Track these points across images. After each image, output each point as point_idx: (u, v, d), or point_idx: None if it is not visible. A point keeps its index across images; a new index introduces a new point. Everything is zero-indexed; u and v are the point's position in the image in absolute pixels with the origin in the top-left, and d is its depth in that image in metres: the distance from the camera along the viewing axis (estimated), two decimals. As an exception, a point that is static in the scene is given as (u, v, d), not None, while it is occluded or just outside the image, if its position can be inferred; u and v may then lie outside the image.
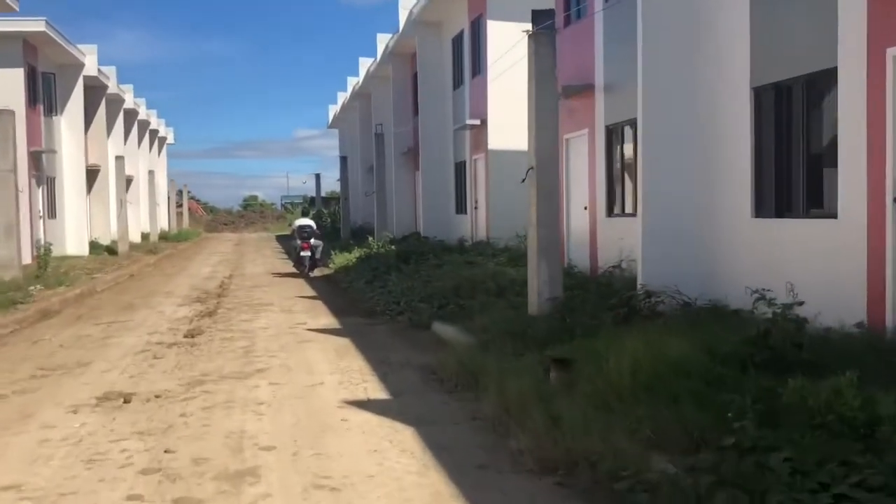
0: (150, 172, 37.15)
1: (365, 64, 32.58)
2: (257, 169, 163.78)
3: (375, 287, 14.38)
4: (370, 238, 21.93)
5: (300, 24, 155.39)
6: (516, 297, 10.67)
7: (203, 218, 68.38)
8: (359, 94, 34.82)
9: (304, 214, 27.29)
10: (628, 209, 11.75)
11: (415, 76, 25.10)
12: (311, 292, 16.01)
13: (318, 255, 19.73)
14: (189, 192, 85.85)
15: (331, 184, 58.30)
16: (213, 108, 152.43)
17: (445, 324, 10.16)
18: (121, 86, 35.67)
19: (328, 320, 11.88)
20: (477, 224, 19.93)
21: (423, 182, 22.81)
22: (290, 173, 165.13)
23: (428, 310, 11.28)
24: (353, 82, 36.45)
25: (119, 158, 28.31)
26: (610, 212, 12.25)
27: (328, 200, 57.68)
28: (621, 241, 11.26)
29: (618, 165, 12.39)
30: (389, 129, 25.41)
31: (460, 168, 21.67)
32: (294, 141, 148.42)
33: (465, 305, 11.03)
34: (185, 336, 10.38)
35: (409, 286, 13.31)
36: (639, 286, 9.19)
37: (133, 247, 31.00)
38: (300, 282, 18.43)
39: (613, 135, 12.44)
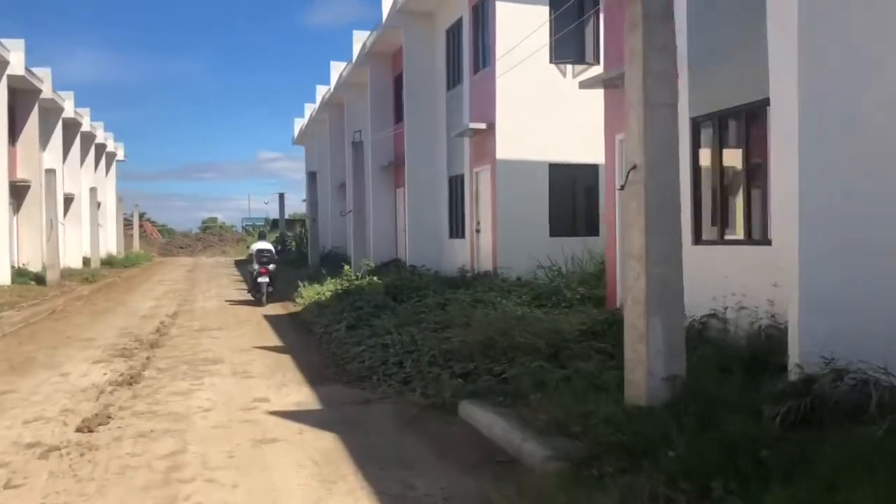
0: (92, 190, 33.01)
1: (338, 68, 29.05)
2: (218, 191, 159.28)
3: (362, 335, 10.74)
4: (346, 267, 18.27)
5: (261, 46, 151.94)
6: (585, 364, 7.20)
7: (157, 241, 64.09)
8: (329, 104, 31.28)
9: (262, 237, 24.38)
10: (738, 233, 8.39)
11: (397, 78, 21.65)
12: (275, 340, 12.34)
13: (275, 282, 18.40)
14: (144, 213, 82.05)
15: (295, 205, 54.29)
16: (172, 129, 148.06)
17: (486, 408, 6.62)
18: (77, 110, 31.69)
19: (301, 394, 8.22)
20: (479, 251, 16.46)
21: (410, 200, 19.26)
22: (251, 195, 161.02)
23: (449, 380, 7.73)
24: (322, 91, 32.90)
25: (49, 172, 24.31)
26: (698, 238, 8.82)
27: (292, 222, 53.83)
28: (725, 280, 7.88)
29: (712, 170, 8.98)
30: (368, 139, 21.79)
31: (456, 183, 18.20)
32: (256, 163, 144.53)
33: (503, 373, 7.54)
34: (80, 429, 6.67)
35: (410, 338, 9.72)
36: (796, 357, 5.79)
37: (68, 274, 26.94)
38: (260, 321, 14.74)
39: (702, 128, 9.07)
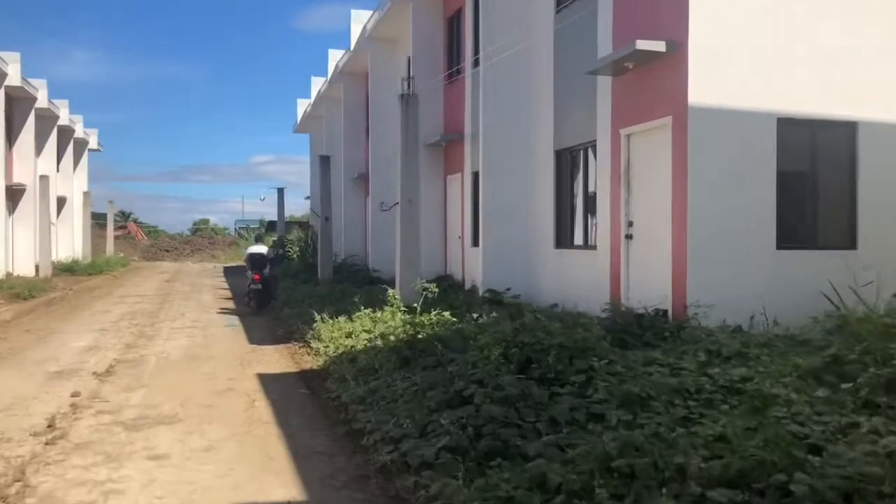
0: (42, 178, 26.39)
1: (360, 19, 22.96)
2: (212, 193, 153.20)
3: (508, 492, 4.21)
4: (390, 291, 11.50)
5: (257, 49, 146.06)
6: None
7: (143, 243, 57.70)
8: (346, 73, 24.82)
9: (259, 240, 19.99)
10: None
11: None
12: (286, 468, 5.76)
13: (274, 290, 16.88)
14: (131, 213, 75.47)
15: (292, 206, 46.54)
16: (166, 131, 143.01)
17: None
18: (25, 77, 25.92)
19: None
20: (632, 273, 9.95)
21: (487, 188, 12.69)
22: (245, 197, 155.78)
23: None
24: (336, 57, 26.41)
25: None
26: None
27: (290, 225, 47.10)
28: None
29: None
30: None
31: (569, 159, 11.68)
32: (249, 166, 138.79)
33: None
34: None
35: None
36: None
37: (5, 286, 20.35)
38: (253, 395, 8.14)
39: None
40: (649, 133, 9.61)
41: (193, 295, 22.00)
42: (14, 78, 24.92)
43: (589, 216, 11.24)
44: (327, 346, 10.15)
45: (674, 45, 8.85)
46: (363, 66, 22.67)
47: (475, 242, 14.68)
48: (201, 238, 62.22)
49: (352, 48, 23.58)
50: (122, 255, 44.16)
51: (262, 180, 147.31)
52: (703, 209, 8.66)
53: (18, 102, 27.31)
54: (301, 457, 5.95)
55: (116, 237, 51.05)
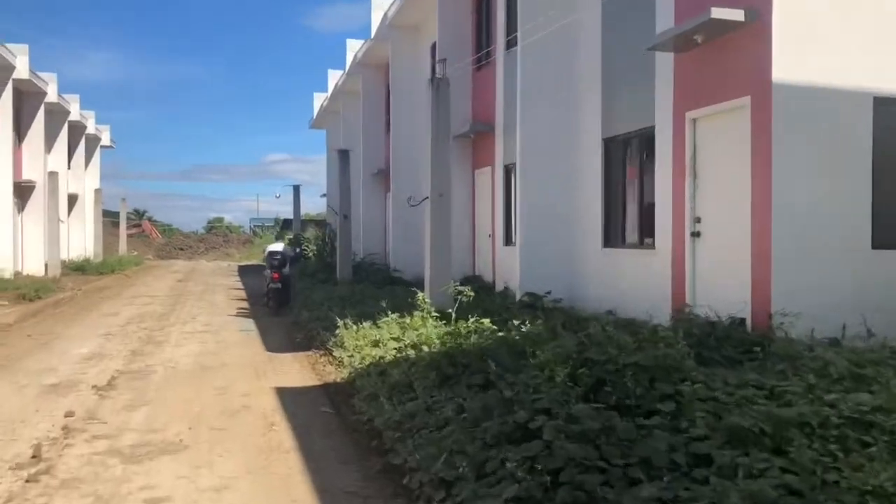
0: (52, 174, 25.56)
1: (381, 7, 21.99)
2: (226, 192, 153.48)
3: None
4: (419, 294, 10.41)
5: (270, 47, 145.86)
6: None
7: (157, 241, 57.12)
8: (365, 64, 23.83)
9: (279, 239, 18.88)
10: None
11: None
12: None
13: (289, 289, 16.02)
14: (146, 211, 74.95)
15: (308, 204, 45.05)
16: (179, 130, 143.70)
17: None
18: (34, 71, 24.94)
19: None
20: (698, 274, 8.87)
21: (525, 181, 11.65)
22: (260, 196, 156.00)
23: None
24: (354, 47, 25.39)
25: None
26: None
27: (305, 223, 46.14)
28: None
29: None
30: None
31: (620, 147, 10.61)
32: (263, 165, 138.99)
33: None
34: None
35: None
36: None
37: (11, 285, 19.49)
38: (271, 417, 7.12)
39: None
40: (721, 116, 8.51)
41: (206, 296, 21.07)
42: (22, 71, 24.12)
43: (645, 212, 10.13)
44: (352, 356, 9.13)
45: (754, 14, 7.74)
46: (383, 56, 21.67)
47: (508, 241, 13.61)
48: (216, 236, 61.62)
49: (372, 37, 22.56)
50: (135, 253, 43.44)
51: (276, 179, 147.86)
52: (788, 203, 7.56)
53: (27, 97, 26.51)
54: (330, 499, 4.93)
55: (130, 235, 50.44)
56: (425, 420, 5.78)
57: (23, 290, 18.16)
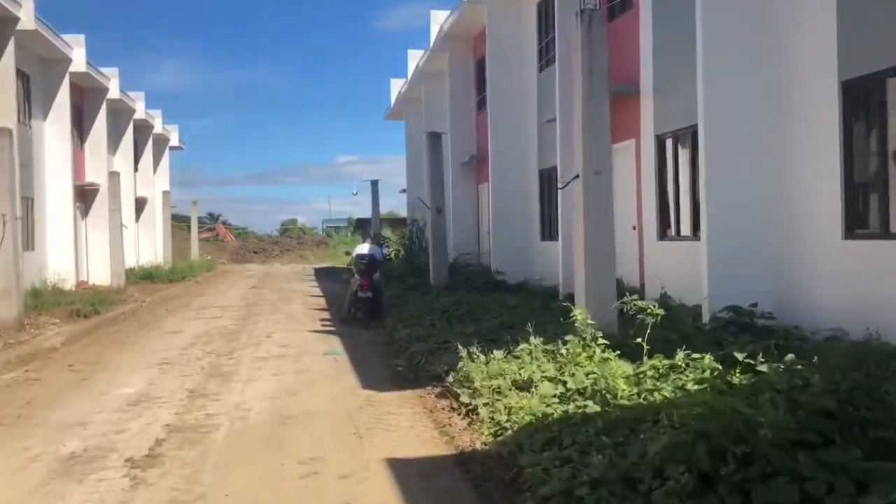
0: (112, 174, 23.60)
1: (437, 19, 19.06)
2: (299, 195, 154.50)
3: None
4: (576, 312, 7.46)
5: (340, 50, 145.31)
6: None
7: (231, 244, 55.88)
8: (452, 36, 21.01)
9: (369, 238, 16.93)
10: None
11: None
12: None
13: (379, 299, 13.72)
14: (220, 215, 74.21)
15: (382, 204, 42.34)
16: (252, 135, 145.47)
17: None
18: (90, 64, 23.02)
19: None
20: None
21: (710, 153, 8.50)
22: (332, 197, 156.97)
23: None
24: (439, 19, 22.58)
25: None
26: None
27: (382, 222, 43.60)
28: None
29: None
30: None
31: (867, 92, 7.36)
32: (334, 166, 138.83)
33: None
34: None
35: None
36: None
37: (66, 300, 17.33)
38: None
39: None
40: None
41: (282, 305, 18.63)
42: (79, 64, 22.10)
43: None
44: (492, 407, 6.28)
45: None
46: (476, 26, 18.81)
47: (663, 235, 10.55)
48: (290, 238, 60.29)
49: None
50: (208, 257, 41.85)
51: (348, 180, 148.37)
52: None
53: (88, 94, 24.68)
54: None
55: (204, 239, 49.07)
56: None
57: (77, 306, 15.97)
